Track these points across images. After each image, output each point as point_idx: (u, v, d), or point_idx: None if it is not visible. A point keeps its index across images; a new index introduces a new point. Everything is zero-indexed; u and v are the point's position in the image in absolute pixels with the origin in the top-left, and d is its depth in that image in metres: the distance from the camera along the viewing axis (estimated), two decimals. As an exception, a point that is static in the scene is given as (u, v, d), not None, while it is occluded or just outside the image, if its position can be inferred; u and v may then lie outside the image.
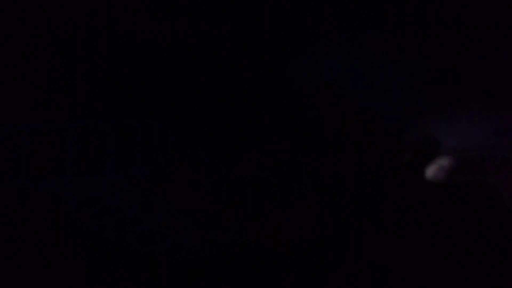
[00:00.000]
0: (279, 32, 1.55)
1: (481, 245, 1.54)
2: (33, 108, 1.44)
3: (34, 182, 1.23)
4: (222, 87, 1.58)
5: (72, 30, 1.53)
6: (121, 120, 1.25)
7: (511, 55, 1.52)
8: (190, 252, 1.45)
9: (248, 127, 1.57)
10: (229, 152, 1.54)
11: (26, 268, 1.54)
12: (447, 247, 1.54)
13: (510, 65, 1.52)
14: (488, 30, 1.54)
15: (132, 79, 1.53)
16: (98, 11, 1.53)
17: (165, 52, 1.55)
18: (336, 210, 1.55)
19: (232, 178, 1.44)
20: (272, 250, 1.54)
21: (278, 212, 1.53)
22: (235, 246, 1.52)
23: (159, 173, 1.27)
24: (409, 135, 1.54)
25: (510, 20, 1.51)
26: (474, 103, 1.54)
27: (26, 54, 1.42)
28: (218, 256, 1.53)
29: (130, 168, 1.22)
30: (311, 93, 1.56)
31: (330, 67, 1.54)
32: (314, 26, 1.55)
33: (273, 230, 1.53)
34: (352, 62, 1.54)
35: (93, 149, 1.20)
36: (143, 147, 1.23)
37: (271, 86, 1.57)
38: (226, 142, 1.56)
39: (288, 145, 1.58)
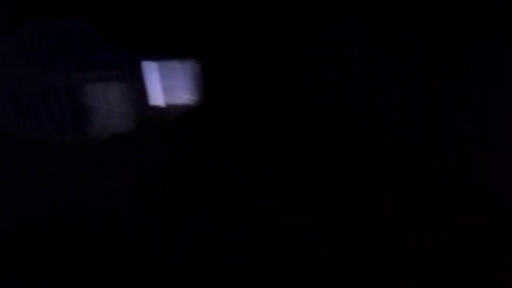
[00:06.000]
0: (278, 32, 1.54)
1: (481, 245, 1.53)
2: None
3: None
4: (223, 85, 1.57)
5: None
6: None
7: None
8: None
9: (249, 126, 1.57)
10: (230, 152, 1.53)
11: (26, 268, 1.53)
12: (447, 247, 1.54)
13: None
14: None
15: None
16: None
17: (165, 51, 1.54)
18: (336, 210, 1.54)
19: None
20: (272, 249, 1.53)
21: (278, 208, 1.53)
22: (235, 246, 1.52)
23: None
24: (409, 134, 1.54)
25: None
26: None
27: None
28: (218, 256, 1.52)
29: None
30: (312, 92, 1.56)
31: (328, 66, 1.54)
32: (312, 26, 1.54)
33: (273, 227, 1.52)
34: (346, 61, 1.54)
35: None
36: None
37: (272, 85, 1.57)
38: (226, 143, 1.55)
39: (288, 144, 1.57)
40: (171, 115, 1.40)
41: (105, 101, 1.38)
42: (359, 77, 1.54)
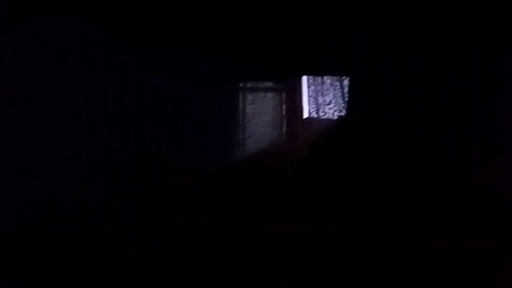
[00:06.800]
0: (278, 32, 1.54)
1: (481, 245, 1.54)
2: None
3: None
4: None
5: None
6: None
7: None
8: None
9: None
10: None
11: (26, 268, 1.53)
12: (447, 247, 1.54)
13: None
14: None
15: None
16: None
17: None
18: (336, 210, 1.55)
19: None
20: (272, 248, 1.53)
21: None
22: (234, 245, 1.52)
23: None
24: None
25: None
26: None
27: None
28: (217, 256, 1.53)
29: None
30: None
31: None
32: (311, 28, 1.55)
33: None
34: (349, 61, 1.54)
35: None
36: None
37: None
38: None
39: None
40: (321, 130, 1.47)
41: (261, 111, 1.44)
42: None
